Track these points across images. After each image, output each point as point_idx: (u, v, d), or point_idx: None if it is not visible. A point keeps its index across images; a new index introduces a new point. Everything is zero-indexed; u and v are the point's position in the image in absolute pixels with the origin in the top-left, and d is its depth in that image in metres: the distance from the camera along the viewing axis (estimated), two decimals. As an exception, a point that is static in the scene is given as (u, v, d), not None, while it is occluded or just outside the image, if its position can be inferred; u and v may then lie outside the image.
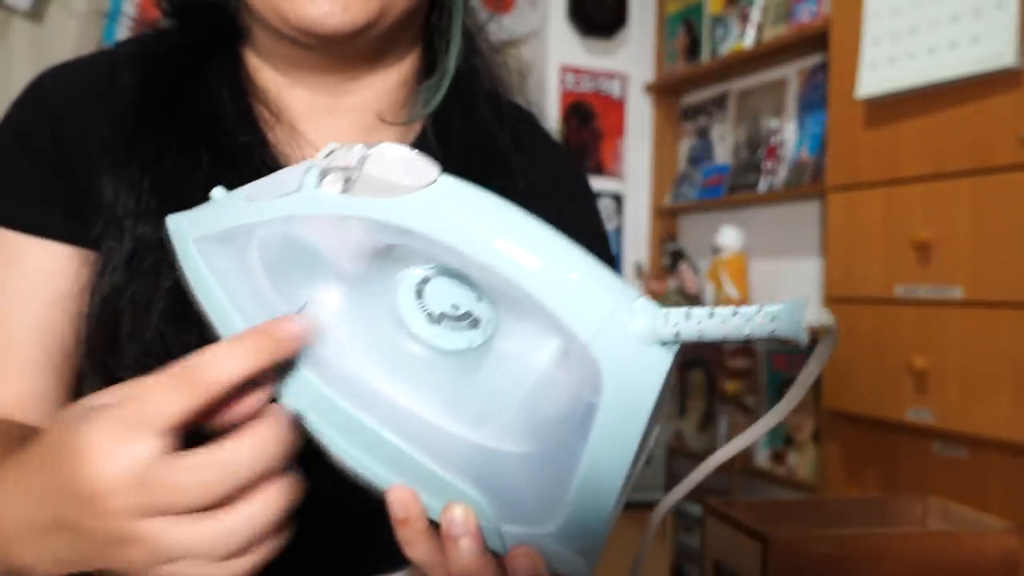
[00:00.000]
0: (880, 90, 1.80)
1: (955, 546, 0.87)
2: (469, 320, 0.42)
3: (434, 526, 0.42)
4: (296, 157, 0.64)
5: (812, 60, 2.37)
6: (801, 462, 2.30)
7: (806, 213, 2.37)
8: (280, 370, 0.41)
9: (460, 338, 0.41)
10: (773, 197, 2.40)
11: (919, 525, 1.02)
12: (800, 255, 2.40)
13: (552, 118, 2.70)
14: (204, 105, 0.63)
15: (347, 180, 0.40)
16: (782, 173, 2.41)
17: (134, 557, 0.38)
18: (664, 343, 0.37)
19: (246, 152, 0.62)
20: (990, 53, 1.59)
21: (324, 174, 0.41)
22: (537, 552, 0.41)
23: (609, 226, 2.81)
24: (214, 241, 0.44)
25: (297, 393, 0.42)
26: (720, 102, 2.73)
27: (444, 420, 0.41)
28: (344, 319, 0.42)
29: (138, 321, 0.58)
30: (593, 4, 2.80)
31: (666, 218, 2.87)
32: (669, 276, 2.73)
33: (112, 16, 2.26)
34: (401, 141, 0.68)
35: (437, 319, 0.42)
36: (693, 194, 2.72)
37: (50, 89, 0.64)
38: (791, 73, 2.46)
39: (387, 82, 0.67)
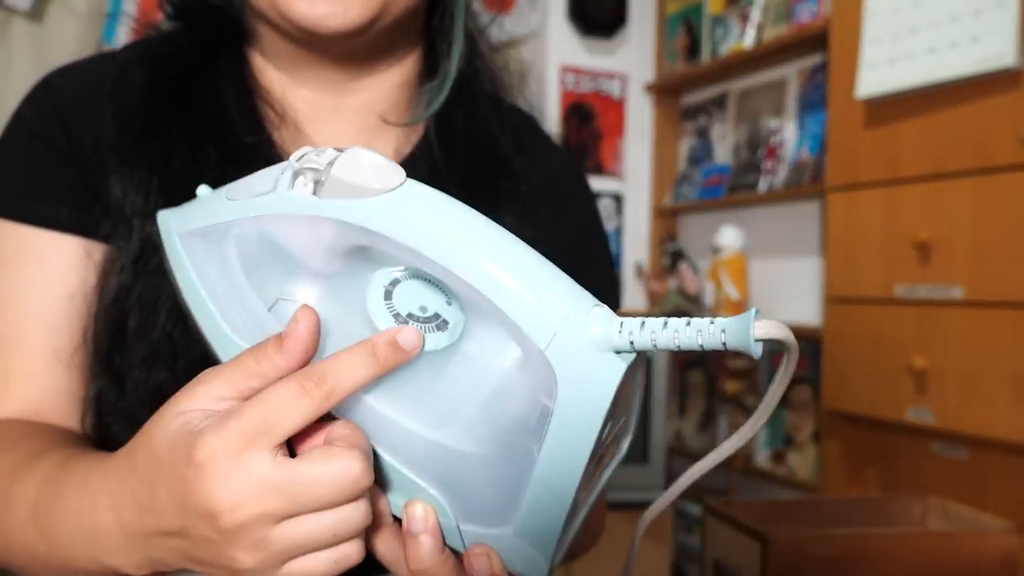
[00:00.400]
0: (880, 90, 1.80)
1: (954, 546, 0.87)
2: (437, 322, 0.43)
3: (398, 523, 0.43)
4: None
5: (812, 60, 2.37)
6: (801, 462, 2.30)
7: (806, 213, 2.37)
8: None
9: (427, 340, 0.42)
10: (773, 197, 2.40)
11: (919, 525, 1.02)
12: (800, 255, 2.40)
13: (552, 118, 2.71)
14: (211, 105, 0.63)
15: (317, 182, 0.41)
16: (782, 173, 2.41)
17: (258, 560, 0.39)
18: (619, 351, 0.38)
19: (252, 152, 0.62)
20: (990, 53, 1.59)
21: (296, 175, 0.42)
22: (495, 551, 0.42)
23: (609, 226, 2.81)
24: (196, 236, 0.46)
25: None
26: (720, 102, 2.73)
27: (407, 419, 0.42)
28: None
29: (145, 320, 0.58)
30: (593, 4, 2.79)
31: (666, 218, 2.87)
32: (669, 276, 2.73)
33: (112, 16, 2.26)
34: (403, 143, 0.69)
35: (404, 319, 0.43)
36: (693, 194, 2.72)
37: (60, 87, 0.64)
38: (791, 73, 2.46)
39: (388, 83, 0.68)
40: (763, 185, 2.44)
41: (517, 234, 0.42)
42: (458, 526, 0.42)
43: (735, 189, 2.54)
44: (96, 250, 0.61)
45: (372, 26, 0.60)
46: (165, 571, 0.44)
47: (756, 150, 2.53)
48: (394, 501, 0.43)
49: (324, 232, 0.41)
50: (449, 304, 0.44)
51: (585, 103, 2.84)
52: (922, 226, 1.74)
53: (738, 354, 2.43)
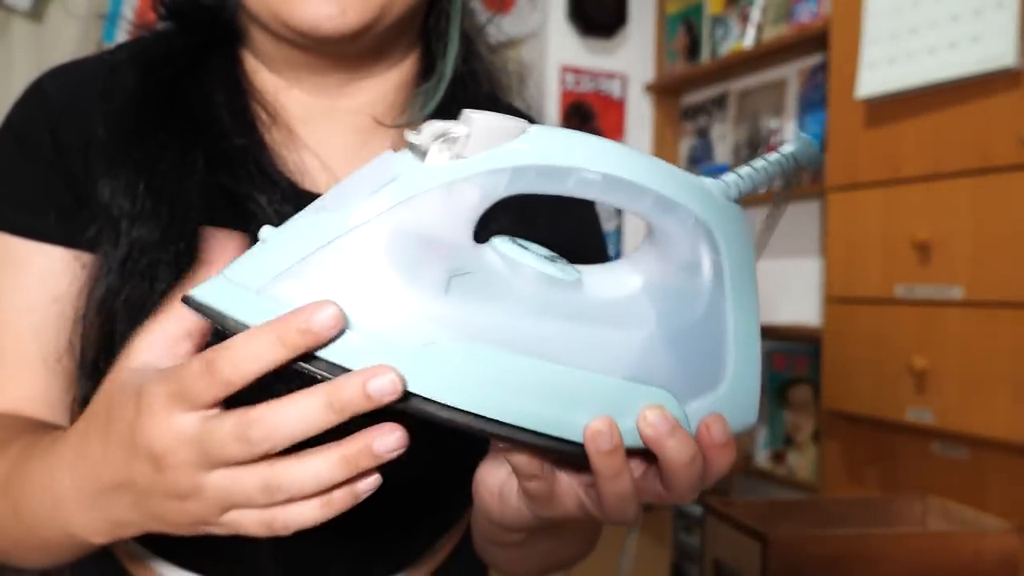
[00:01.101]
0: (880, 90, 1.80)
1: (954, 546, 0.87)
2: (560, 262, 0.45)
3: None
4: (292, 159, 0.64)
5: (812, 60, 2.37)
6: (801, 462, 2.30)
7: (806, 213, 2.37)
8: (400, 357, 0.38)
9: (573, 270, 0.44)
10: (773, 197, 2.40)
11: (919, 525, 1.02)
12: (800, 255, 2.40)
13: (552, 118, 2.70)
14: (201, 107, 0.63)
15: (452, 147, 0.40)
16: (782, 173, 2.41)
17: (195, 509, 0.40)
18: (735, 200, 0.46)
19: (242, 154, 0.61)
20: (990, 53, 1.59)
21: (424, 151, 0.40)
22: (722, 416, 0.44)
23: (609, 226, 2.81)
24: (291, 278, 0.38)
25: (423, 373, 0.39)
26: (720, 102, 2.73)
27: (594, 334, 0.42)
28: (470, 285, 0.41)
29: (132, 323, 0.57)
30: (593, 4, 2.79)
31: (666, 218, 2.88)
32: (669, 276, 2.73)
33: (111, 19, 2.26)
34: (399, 144, 0.68)
35: (551, 259, 0.44)
36: (693, 194, 2.72)
37: (50, 91, 0.64)
38: (791, 73, 2.46)
39: (385, 85, 0.67)
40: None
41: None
42: (684, 411, 0.44)
43: (735, 189, 2.55)
44: (82, 256, 0.61)
45: (370, 29, 0.60)
46: (123, 536, 0.45)
47: (756, 150, 2.53)
48: (624, 425, 0.42)
49: (465, 195, 0.40)
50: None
51: (585, 103, 2.84)
52: (922, 226, 1.74)
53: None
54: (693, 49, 2.76)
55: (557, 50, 2.80)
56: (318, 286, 0.38)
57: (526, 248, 0.44)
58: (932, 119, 1.74)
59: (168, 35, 0.66)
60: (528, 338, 0.41)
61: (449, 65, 0.67)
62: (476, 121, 0.40)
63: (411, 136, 0.41)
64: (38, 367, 0.61)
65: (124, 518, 0.43)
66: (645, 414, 0.42)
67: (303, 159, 0.64)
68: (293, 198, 0.61)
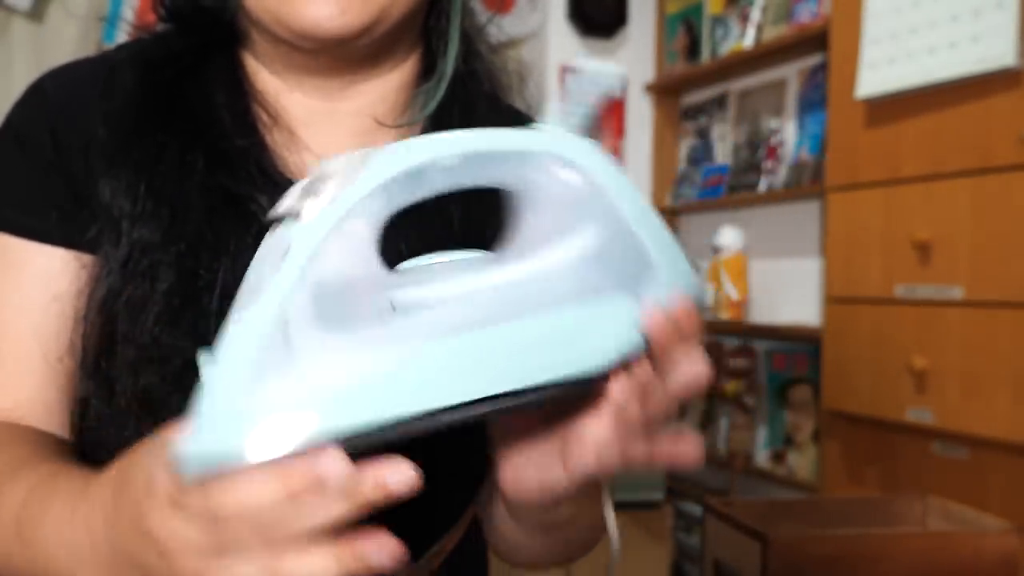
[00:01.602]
0: (880, 90, 1.80)
1: (954, 546, 0.87)
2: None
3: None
4: (294, 161, 0.64)
5: (812, 60, 2.37)
6: (801, 462, 2.30)
7: (806, 213, 2.37)
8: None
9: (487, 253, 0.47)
10: (773, 197, 2.40)
11: (919, 525, 1.03)
12: (800, 255, 2.40)
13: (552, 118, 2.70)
14: (202, 108, 0.63)
15: (319, 196, 0.40)
16: (782, 173, 2.41)
17: None
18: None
19: (243, 155, 0.61)
20: (990, 53, 1.60)
21: (297, 212, 0.41)
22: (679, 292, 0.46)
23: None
24: (261, 385, 0.38)
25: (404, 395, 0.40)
26: (720, 102, 2.73)
27: (532, 281, 0.44)
28: (406, 298, 0.42)
29: (133, 324, 0.57)
30: (593, 4, 2.79)
31: (666, 218, 2.85)
32: (669, 276, 2.73)
33: (111, 20, 2.26)
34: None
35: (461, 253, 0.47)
36: (693, 194, 2.72)
37: (51, 91, 0.64)
38: (791, 73, 2.46)
39: (386, 86, 0.67)
40: (763, 185, 2.44)
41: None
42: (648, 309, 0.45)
43: (735, 189, 2.54)
44: (82, 257, 0.61)
45: (371, 30, 0.60)
46: None
47: (756, 150, 2.53)
48: (606, 339, 0.45)
49: (357, 229, 0.41)
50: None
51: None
52: (922, 226, 1.75)
53: (738, 353, 2.42)
54: (693, 49, 2.76)
55: (557, 50, 2.80)
56: (288, 379, 0.38)
57: (432, 256, 0.46)
58: (932, 119, 1.74)
59: (168, 35, 0.66)
60: (483, 315, 0.42)
61: (450, 65, 0.67)
62: (328, 163, 0.42)
63: (279, 210, 0.41)
64: (38, 367, 0.61)
65: None
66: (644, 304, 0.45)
67: (304, 161, 0.64)
68: None
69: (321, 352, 0.38)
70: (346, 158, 0.42)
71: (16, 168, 0.62)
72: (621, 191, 0.47)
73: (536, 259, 0.45)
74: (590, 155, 0.47)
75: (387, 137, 0.67)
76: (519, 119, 0.75)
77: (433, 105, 0.67)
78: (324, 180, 0.41)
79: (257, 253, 0.41)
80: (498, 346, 0.42)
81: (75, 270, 0.61)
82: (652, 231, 0.47)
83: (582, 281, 0.45)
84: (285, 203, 0.41)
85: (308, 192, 0.41)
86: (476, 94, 0.69)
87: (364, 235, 0.41)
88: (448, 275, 0.44)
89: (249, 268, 0.41)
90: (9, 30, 2.33)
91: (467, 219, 0.65)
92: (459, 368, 0.41)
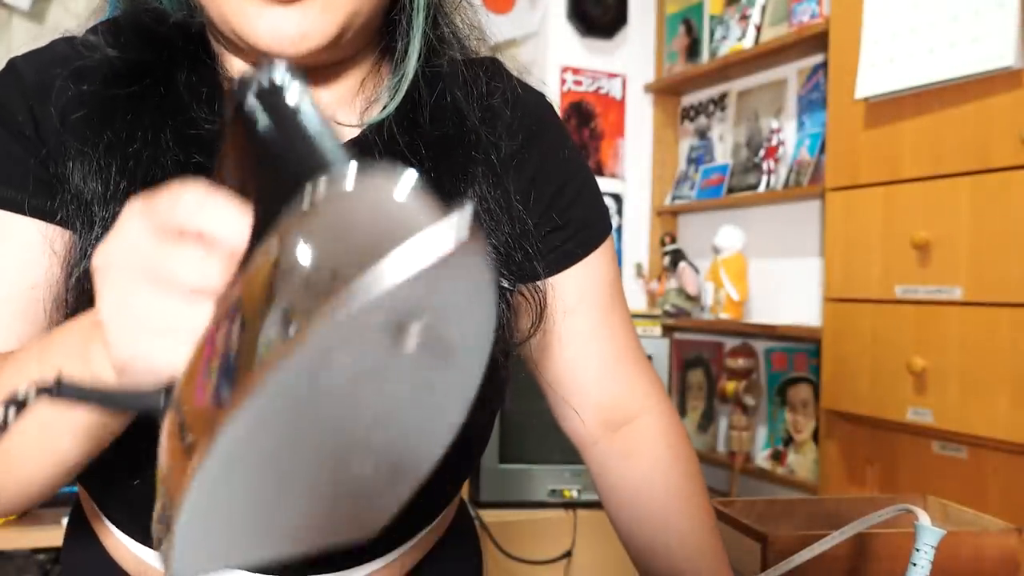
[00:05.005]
0: (880, 90, 1.80)
1: (955, 546, 0.87)
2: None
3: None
4: None
5: (812, 60, 2.37)
6: (801, 462, 2.30)
7: (806, 213, 2.37)
8: None
9: None
10: (773, 197, 2.40)
11: (919, 525, 1.02)
12: (800, 255, 2.40)
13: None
14: (172, 89, 0.63)
15: None
16: (782, 173, 2.41)
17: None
18: None
19: (213, 136, 0.62)
20: (990, 53, 1.60)
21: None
22: None
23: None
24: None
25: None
26: (720, 102, 2.73)
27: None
28: None
29: None
30: (593, 4, 2.80)
31: (666, 218, 2.87)
32: (669, 276, 2.73)
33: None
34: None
35: None
36: (693, 194, 2.72)
37: (24, 71, 0.64)
38: (791, 73, 2.46)
39: (349, 82, 0.68)
40: (763, 185, 2.44)
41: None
42: None
43: (735, 189, 2.55)
44: (61, 236, 0.61)
45: (335, 44, 0.60)
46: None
47: (756, 150, 2.53)
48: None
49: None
50: None
51: (585, 103, 2.84)
52: (922, 226, 1.75)
53: (738, 354, 2.42)
54: (693, 49, 2.76)
55: (557, 50, 2.80)
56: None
57: None
58: (932, 119, 1.74)
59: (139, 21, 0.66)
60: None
61: (411, 65, 0.67)
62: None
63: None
64: (14, 336, 0.61)
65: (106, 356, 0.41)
66: None
67: None
68: None
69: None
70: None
71: None
72: None
73: None
74: None
75: (352, 132, 0.68)
76: (490, 75, 0.73)
77: (393, 106, 0.67)
78: None
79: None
80: None
81: (54, 245, 0.61)
82: None
83: None
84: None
85: None
86: (441, 67, 0.69)
87: None
88: None
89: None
90: (9, 30, 2.32)
91: None
92: None
